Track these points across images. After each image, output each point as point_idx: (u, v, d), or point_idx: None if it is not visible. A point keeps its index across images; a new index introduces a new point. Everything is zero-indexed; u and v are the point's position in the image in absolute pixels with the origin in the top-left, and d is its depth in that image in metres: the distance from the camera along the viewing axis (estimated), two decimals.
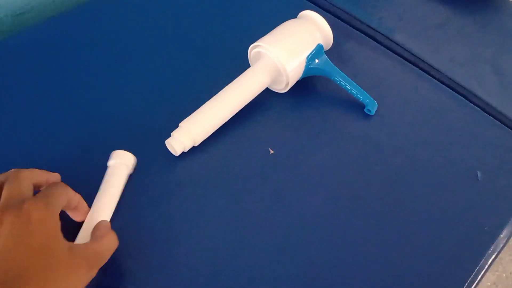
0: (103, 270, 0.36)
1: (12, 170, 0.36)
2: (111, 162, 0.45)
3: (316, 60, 0.52)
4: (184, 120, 0.48)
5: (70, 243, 0.34)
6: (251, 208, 0.45)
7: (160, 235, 0.43)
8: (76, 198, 0.39)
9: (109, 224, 0.40)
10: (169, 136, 0.47)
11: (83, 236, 0.39)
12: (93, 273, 0.35)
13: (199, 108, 0.49)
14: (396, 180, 0.49)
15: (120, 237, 0.39)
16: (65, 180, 0.41)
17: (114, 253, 0.38)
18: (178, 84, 0.55)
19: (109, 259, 0.37)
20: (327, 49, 0.54)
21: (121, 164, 0.45)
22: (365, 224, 0.45)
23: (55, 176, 0.40)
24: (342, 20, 0.65)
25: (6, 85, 0.52)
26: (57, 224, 0.34)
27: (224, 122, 0.50)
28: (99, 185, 0.43)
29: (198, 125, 0.48)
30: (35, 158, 0.46)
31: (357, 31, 0.63)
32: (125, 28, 0.60)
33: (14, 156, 0.47)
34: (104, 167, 0.45)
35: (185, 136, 0.47)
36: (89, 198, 0.42)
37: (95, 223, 0.39)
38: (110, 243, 0.37)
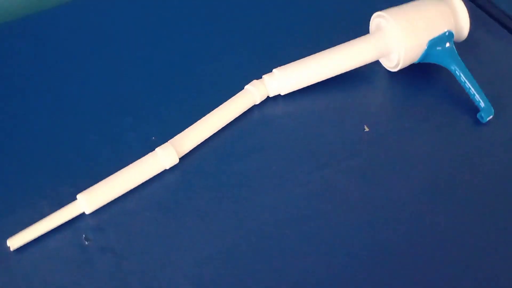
0: None
1: None
2: (247, 86, 0.48)
3: (439, 48, 0.48)
4: (278, 67, 0.48)
5: None
6: (337, 179, 0.44)
7: None
8: None
9: None
10: None
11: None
12: None
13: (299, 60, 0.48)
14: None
15: None
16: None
17: None
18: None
19: None
20: (458, 41, 0.50)
21: (249, 92, 0.47)
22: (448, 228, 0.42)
23: None
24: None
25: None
26: None
27: (322, 79, 0.49)
28: None
29: (294, 72, 0.48)
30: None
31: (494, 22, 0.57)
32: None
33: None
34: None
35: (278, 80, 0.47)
36: None
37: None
38: None
